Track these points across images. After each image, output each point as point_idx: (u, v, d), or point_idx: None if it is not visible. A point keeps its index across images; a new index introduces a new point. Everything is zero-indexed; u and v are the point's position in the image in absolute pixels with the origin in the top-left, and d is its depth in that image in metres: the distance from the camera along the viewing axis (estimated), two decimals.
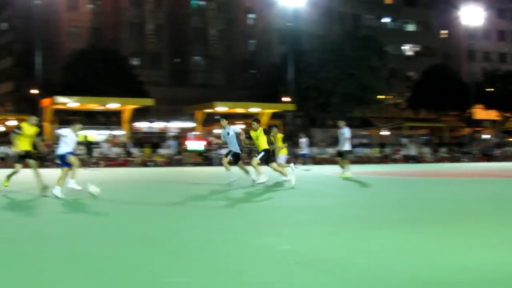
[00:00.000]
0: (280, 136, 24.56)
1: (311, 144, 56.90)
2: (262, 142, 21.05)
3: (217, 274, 6.63)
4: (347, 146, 26.48)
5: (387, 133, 69.29)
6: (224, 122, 22.29)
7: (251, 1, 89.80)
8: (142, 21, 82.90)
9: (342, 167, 26.68)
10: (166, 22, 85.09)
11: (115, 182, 25.63)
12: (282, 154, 25.27)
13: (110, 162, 46.24)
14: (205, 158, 49.72)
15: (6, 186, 18.00)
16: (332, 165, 48.24)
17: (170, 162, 48.19)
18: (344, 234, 9.64)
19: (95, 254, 7.75)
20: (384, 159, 55.47)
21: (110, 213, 12.84)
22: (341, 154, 26.88)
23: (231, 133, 21.66)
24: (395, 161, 54.89)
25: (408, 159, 55.70)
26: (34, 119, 18.34)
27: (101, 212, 12.94)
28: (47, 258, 7.43)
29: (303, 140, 40.34)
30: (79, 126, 17.44)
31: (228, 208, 14.47)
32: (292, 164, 26.51)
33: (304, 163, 39.74)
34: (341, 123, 26.89)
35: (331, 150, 54.65)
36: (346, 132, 26.30)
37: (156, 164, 47.38)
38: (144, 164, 47.03)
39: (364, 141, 59.87)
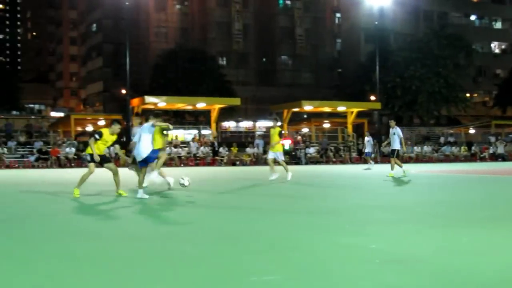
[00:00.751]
0: (276, 130, 22.88)
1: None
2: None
3: (305, 273, 6.64)
4: (398, 146, 26.09)
5: (474, 131, 68.38)
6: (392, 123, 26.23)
7: (337, 0, 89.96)
8: (229, 21, 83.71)
9: (400, 165, 26.43)
10: (253, 22, 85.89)
11: (201, 181, 26.11)
12: (278, 151, 23.30)
13: (198, 161, 47.06)
14: (292, 157, 49.49)
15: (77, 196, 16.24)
16: (418, 164, 48.27)
17: (257, 161, 48.37)
18: (430, 232, 9.61)
19: (187, 253, 7.86)
20: (471, 158, 54.92)
21: (195, 212, 12.94)
22: (395, 153, 26.33)
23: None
24: (482, 159, 54.30)
25: (495, 157, 54.99)
26: (118, 128, 17.26)
27: (187, 212, 13.03)
28: (139, 257, 7.54)
29: (368, 139, 39.60)
30: (159, 118, 16.12)
31: (312, 207, 14.28)
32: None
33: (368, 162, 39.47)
34: (392, 122, 26.59)
35: (417, 149, 54.60)
36: (398, 131, 26.05)
37: (243, 163, 47.74)
38: (231, 163, 47.49)
39: (451, 139, 59.24)
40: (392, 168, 26.09)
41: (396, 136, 25.90)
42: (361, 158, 48.46)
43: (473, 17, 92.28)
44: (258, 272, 6.65)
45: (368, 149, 39.15)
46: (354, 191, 18.84)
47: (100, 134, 16.96)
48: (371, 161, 39.30)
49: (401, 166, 26.30)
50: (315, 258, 7.46)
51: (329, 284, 6.20)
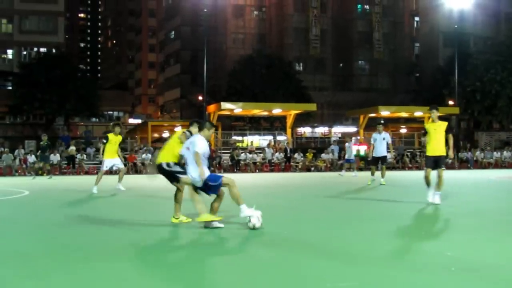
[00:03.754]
0: None
1: (476, 147, 56.04)
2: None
3: (380, 278, 6.79)
4: (386, 152, 24.86)
5: None
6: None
7: (416, 4, 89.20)
8: (306, 26, 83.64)
9: (372, 173, 25.13)
10: (331, 27, 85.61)
11: (276, 187, 26.06)
12: None
13: (273, 167, 47.05)
14: (367, 163, 49.00)
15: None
16: (498, 169, 47.37)
17: (331, 166, 47.96)
18: (508, 240, 9.61)
19: (265, 258, 8.03)
20: None
21: (271, 219, 12.63)
22: (382, 160, 25.03)
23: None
24: None
25: None
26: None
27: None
28: (216, 265, 7.80)
29: (349, 145, 38.99)
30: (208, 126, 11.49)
31: (387, 213, 14.47)
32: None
33: (349, 169, 38.83)
34: (380, 127, 25.44)
35: (497, 154, 53.49)
36: (388, 136, 25.02)
37: (318, 169, 47.37)
38: (307, 169, 47.20)
39: None
40: (383, 176, 24.83)
41: (385, 141, 24.76)
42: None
43: None
44: (333, 278, 6.83)
45: (348, 155, 38.64)
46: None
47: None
48: (344, 170, 38.81)
49: (372, 174, 25.15)
50: (392, 263, 7.71)
51: None
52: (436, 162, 15.33)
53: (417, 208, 14.90)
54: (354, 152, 45.48)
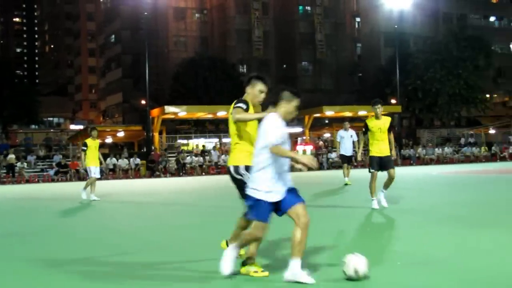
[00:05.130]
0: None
1: (418, 144, 57.13)
2: None
3: (328, 275, 6.88)
4: (352, 151, 24.31)
5: (494, 131, 68.35)
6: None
7: (357, 5, 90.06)
8: (249, 28, 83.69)
9: (347, 174, 24.23)
10: (273, 28, 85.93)
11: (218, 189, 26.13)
12: None
13: (219, 169, 46.93)
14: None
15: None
16: (439, 165, 48.35)
17: None
18: (452, 234, 9.78)
19: None
20: (491, 158, 54.80)
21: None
22: (349, 159, 24.50)
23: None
24: (502, 159, 54.15)
25: None
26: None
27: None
28: None
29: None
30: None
31: (337, 212, 14.56)
32: None
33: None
34: (347, 124, 24.67)
35: (438, 150, 54.57)
36: (354, 134, 24.41)
37: None
38: None
39: (471, 140, 59.20)
40: (347, 175, 24.20)
41: (353, 139, 24.25)
42: None
43: (492, 18, 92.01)
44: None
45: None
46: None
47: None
48: None
49: (347, 176, 24.21)
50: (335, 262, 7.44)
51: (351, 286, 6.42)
52: (383, 164, 13.87)
53: (359, 207, 14.80)
54: (301, 152, 46.09)
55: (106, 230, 12.44)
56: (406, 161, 52.33)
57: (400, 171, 34.85)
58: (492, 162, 51.19)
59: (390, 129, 14.12)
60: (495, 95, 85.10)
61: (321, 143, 54.86)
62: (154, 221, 14.05)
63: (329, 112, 55.42)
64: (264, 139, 6.78)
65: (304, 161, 6.51)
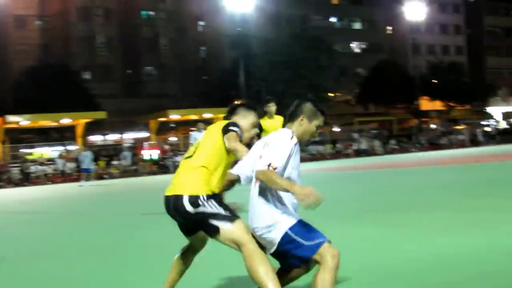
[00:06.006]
0: None
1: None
2: None
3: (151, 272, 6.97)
4: None
5: (339, 129, 70.42)
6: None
7: (200, 9, 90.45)
8: (92, 34, 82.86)
9: None
10: (117, 34, 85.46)
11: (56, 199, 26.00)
12: None
13: (65, 178, 46.49)
14: (161, 167, 50.21)
15: None
16: None
17: (125, 173, 48.72)
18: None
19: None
20: (337, 155, 56.42)
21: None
22: None
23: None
24: (347, 156, 55.89)
25: (359, 153, 56.81)
26: None
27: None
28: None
29: (86, 154, 40.05)
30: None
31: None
32: None
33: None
34: (201, 125, 23.35)
35: None
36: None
37: (112, 176, 47.79)
38: (100, 177, 47.04)
39: (317, 138, 60.71)
40: None
41: None
42: None
43: (333, 19, 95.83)
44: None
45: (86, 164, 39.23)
46: None
47: None
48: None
49: None
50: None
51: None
52: None
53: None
54: (147, 157, 46.33)
55: None
56: None
57: None
58: (337, 159, 52.74)
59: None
60: (339, 94, 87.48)
61: (167, 147, 55.18)
62: None
63: (174, 116, 55.96)
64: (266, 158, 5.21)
65: (305, 192, 4.92)
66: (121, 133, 68.98)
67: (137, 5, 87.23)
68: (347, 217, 11.53)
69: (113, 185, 36.69)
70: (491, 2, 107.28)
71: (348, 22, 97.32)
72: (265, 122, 13.31)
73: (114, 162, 50.76)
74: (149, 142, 54.97)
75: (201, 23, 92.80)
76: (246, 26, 71.57)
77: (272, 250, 5.21)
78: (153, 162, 50.27)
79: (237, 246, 5.29)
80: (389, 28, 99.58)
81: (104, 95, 74.00)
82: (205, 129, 20.96)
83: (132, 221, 14.39)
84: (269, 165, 5.05)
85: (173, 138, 61.71)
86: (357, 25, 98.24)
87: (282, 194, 5.19)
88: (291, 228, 5.07)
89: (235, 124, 5.83)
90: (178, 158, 50.07)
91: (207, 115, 56.75)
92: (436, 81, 79.21)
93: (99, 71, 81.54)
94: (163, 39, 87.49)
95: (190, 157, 5.76)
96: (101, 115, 55.62)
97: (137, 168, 50.63)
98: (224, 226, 5.35)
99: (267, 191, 5.25)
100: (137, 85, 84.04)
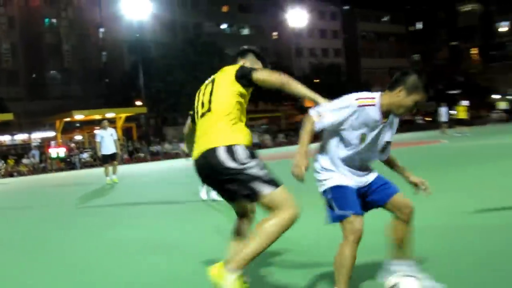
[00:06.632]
0: None
1: (164, 141, 61.73)
2: None
3: (69, 268, 7.16)
4: (115, 149, 23.65)
5: None
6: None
7: (100, 16, 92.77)
8: None
9: (114, 171, 24.20)
10: (21, 40, 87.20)
11: None
12: None
13: None
14: (67, 163, 51.85)
15: None
16: (179, 159, 51.17)
17: (34, 170, 50.03)
18: (183, 220, 11.08)
19: None
20: None
21: None
22: (113, 157, 23.83)
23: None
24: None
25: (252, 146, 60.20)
26: None
27: None
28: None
29: (34, 153, 42.21)
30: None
31: (86, 207, 15.12)
32: None
33: None
34: (105, 123, 23.96)
35: (182, 146, 58.97)
36: (114, 133, 23.79)
37: (21, 174, 49.02)
38: (10, 174, 48.69)
39: None
40: (114, 173, 24.16)
41: (113, 138, 23.61)
42: (132, 159, 53.04)
43: (224, 26, 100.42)
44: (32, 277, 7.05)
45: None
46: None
47: None
48: None
49: (107, 175, 24.04)
50: (78, 255, 7.97)
51: (91, 276, 6.73)
52: None
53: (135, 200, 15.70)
54: (54, 155, 49.05)
55: None
56: (156, 157, 56.24)
57: (150, 166, 38.88)
58: None
59: None
60: None
61: (73, 145, 56.60)
62: None
63: (79, 116, 57.01)
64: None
65: (297, 163, 4.65)
66: (29, 133, 70.28)
67: (41, 13, 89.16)
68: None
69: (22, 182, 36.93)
70: (364, 9, 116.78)
71: (238, 28, 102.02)
72: None
73: (24, 161, 51.83)
74: (55, 141, 55.96)
75: (102, 29, 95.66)
76: (143, 32, 75.59)
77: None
78: (60, 159, 51.69)
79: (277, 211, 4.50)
80: (275, 33, 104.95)
81: (10, 98, 76.19)
82: (109, 126, 24.08)
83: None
84: (316, 113, 4.80)
85: (78, 137, 63.25)
86: (246, 31, 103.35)
87: (342, 155, 4.91)
88: (332, 188, 4.86)
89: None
90: (83, 155, 52.98)
91: (109, 115, 57.56)
92: (317, 81, 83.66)
93: (4, 76, 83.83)
94: (66, 45, 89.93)
95: (205, 114, 5.06)
96: (8, 116, 55.31)
97: (45, 165, 51.87)
98: (269, 190, 4.57)
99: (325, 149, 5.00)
100: (42, 88, 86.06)
